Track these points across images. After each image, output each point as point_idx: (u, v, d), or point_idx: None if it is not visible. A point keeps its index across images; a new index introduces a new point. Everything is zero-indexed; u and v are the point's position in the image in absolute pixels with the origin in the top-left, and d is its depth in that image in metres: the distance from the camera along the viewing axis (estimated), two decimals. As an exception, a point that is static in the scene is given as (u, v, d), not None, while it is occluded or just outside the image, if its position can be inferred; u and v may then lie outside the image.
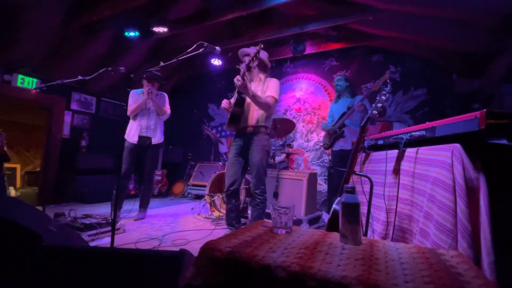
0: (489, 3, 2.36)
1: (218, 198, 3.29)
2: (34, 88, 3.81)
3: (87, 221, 2.22)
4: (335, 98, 3.21)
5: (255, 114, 2.16)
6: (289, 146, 3.53)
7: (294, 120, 4.53)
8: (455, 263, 0.70)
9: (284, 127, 3.14)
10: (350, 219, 0.84)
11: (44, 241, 1.35)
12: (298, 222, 2.48)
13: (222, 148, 5.06)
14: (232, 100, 2.18)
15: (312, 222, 2.54)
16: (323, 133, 4.21)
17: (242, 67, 1.93)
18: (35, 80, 3.85)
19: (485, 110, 0.94)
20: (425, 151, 1.25)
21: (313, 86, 4.53)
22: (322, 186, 4.15)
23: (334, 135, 2.99)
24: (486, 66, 3.13)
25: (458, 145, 1.07)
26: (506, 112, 0.96)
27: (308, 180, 2.56)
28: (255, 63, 2.04)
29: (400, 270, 0.64)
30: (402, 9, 2.80)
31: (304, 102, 4.57)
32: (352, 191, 0.87)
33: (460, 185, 1.01)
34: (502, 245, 0.97)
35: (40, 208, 2.30)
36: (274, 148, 3.37)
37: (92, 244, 1.99)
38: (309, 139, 4.44)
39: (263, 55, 2.27)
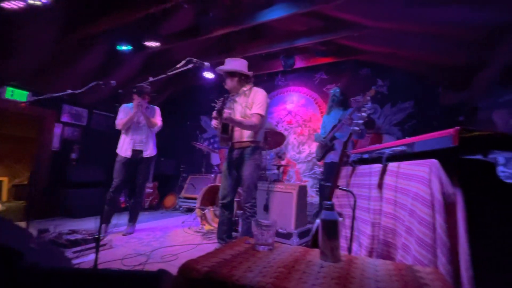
0: (470, 19, 2.47)
1: (209, 212, 3.25)
2: (25, 101, 3.79)
3: (72, 237, 2.17)
4: (328, 110, 3.26)
5: (244, 131, 2.16)
6: (280, 158, 3.55)
7: (286, 132, 4.58)
8: (429, 280, 0.71)
9: (275, 139, 3.16)
10: (329, 236, 0.85)
11: (25, 259, 1.31)
12: (288, 236, 2.47)
13: (215, 160, 5.06)
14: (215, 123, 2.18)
15: (303, 235, 2.52)
16: (314, 145, 4.25)
17: (214, 112, 1.97)
18: (25, 92, 3.83)
19: (458, 127, 0.98)
20: (406, 166, 1.28)
21: (304, 99, 4.61)
22: (314, 198, 4.15)
23: (325, 147, 3.03)
24: (470, 80, 3.24)
25: (435, 160, 1.10)
26: (479, 129, 1.00)
27: (298, 192, 2.57)
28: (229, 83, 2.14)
29: (374, 288, 0.65)
30: (387, 26, 2.91)
31: (296, 114, 4.63)
32: (331, 208, 0.88)
33: (438, 200, 1.04)
34: (480, 259, 0.98)
35: (24, 223, 2.25)
36: (269, 159, 3.38)
37: (76, 261, 1.94)
38: (300, 151, 4.47)
39: (238, 65, 2.19)
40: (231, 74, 2.20)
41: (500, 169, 1.84)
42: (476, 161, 1.11)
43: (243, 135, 2.16)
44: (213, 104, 2.13)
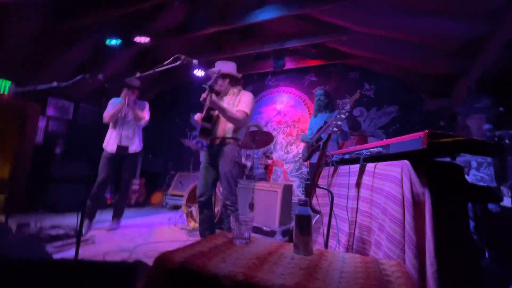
0: (450, 31, 2.58)
1: (195, 209, 3.26)
2: (7, 92, 3.69)
3: (53, 231, 2.14)
4: (315, 112, 3.31)
5: (224, 126, 2.18)
6: (268, 157, 3.59)
7: (275, 132, 4.63)
8: (391, 272, 0.76)
9: (263, 139, 3.20)
10: (302, 231, 0.89)
11: None
12: (271, 233, 2.52)
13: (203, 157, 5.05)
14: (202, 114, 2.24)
15: (286, 233, 2.57)
16: (302, 146, 4.32)
17: (206, 90, 2.00)
18: (8, 83, 3.72)
19: (427, 131, 1.04)
20: (381, 166, 1.34)
21: (293, 99, 4.67)
22: (300, 197, 4.21)
23: (311, 148, 3.08)
24: (450, 87, 3.38)
25: (407, 161, 1.16)
26: (447, 133, 1.07)
27: (282, 191, 2.62)
28: (220, 83, 2.15)
29: (337, 278, 0.69)
30: (374, 32, 3.00)
31: (285, 114, 4.69)
32: (305, 203, 0.92)
33: (408, 199, 1.10)
34: (446, 255, 1.05)
35: (3, 217, 2.20)
36: (256, 157, 3.41)
37: (56, 256, 1.92)
38: (288, 151, 4.53)
39: (230, 67, 2.28)
40: (223, 76, 2.26)
41: (472, 172, 1.95)
42: (445, 163, 1.18)
43: (225, 131, 2.18)
44: (203, 85, 2.13)
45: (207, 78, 2.35)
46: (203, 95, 2.04)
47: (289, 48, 3.90)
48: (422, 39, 2.81)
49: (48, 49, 3.61)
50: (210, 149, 2.26)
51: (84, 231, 2.73)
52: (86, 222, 2.79)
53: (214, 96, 1.99)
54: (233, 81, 2.29)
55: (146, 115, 3.09)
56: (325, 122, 2.99)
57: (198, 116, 2.26)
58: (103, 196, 2.97)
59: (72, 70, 3.84)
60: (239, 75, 2.31)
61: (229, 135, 2.17)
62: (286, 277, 0.66)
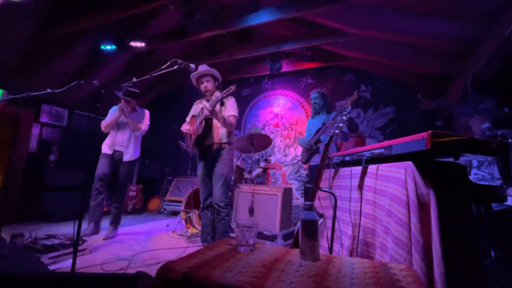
0: (444, 32, 2.61)
1: (194, 215, 3.21)
2: (0, 100, 3.62)
3: (49, 242, 2.08)
4: (312, 114, 3.31)
5: (218, 132, 2.29)
6: (266, 160, 3.57)
7: (272, 135, 4.62)
8: (402, 276, 0.74)
9: (261, 142, 3.18)
10: (308, 236, 0.87)
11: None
12: (273, 238, 2.48)
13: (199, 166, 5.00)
14: (197, 123, 2.29)
15: (287, 237, 2.54)
16: (300, 148, 4.31)
17: (212, 100, 2.08)
18: (1, 91, 3.66)
19: (430, 131, 1.03)
20: (384, 168, 1.33)
21: (290, 102, 4.67)
22: (300, 200, 4.19)
23: (310, 150, 3.07)
24: (446, 87, 3.41)
25: (410, 162, 1.15)
26: (450, 133, 1.06)
27: (282, 195, 2.59)
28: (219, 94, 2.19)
29: (348, 285, 0.67)
30: (368, 34, 3.02)
31: (282, 117, 4.68)
32: (310, 208, 0.90)
33: (413, 201, 1.08)
34: (451, 257, 1.04)
35: (-4, 228, 2.14)
36: (250, 162, 3.39)
37: (52, 267, 1.86)
38: (286, 154, 4.52)
39: (217, 74, 2.44)
40: (214, 78, 2.41)
41: (473, 172, 1.95)
42: (448, 163, 1.17)
43: (217, 137, 2.30)
44: (207, 99, 2.35)
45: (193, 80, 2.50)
46: (208, 106, 2.08)
47: (285, 51, 3.91)
48: (416, 40, 2.83)
49: (41, 55, 3.56)
50: (205, 156, 2.33)
51: (90, 233, 2.71)
52: (91, 225, 2.77)
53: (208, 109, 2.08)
54: (217, 85, 2.47)
55: (144, 125, 3.06)
56: (323, 124, 2.99)
57: (186, 127, 2.37)
58: (104, 192, 2.89)
59: (67, 76, 3.79)
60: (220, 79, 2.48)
61: (224, 140, 2.29)
62: (296, 286, 0.64)
